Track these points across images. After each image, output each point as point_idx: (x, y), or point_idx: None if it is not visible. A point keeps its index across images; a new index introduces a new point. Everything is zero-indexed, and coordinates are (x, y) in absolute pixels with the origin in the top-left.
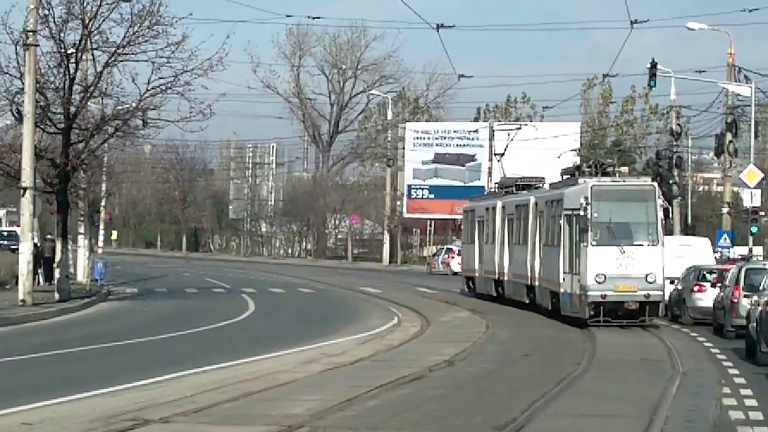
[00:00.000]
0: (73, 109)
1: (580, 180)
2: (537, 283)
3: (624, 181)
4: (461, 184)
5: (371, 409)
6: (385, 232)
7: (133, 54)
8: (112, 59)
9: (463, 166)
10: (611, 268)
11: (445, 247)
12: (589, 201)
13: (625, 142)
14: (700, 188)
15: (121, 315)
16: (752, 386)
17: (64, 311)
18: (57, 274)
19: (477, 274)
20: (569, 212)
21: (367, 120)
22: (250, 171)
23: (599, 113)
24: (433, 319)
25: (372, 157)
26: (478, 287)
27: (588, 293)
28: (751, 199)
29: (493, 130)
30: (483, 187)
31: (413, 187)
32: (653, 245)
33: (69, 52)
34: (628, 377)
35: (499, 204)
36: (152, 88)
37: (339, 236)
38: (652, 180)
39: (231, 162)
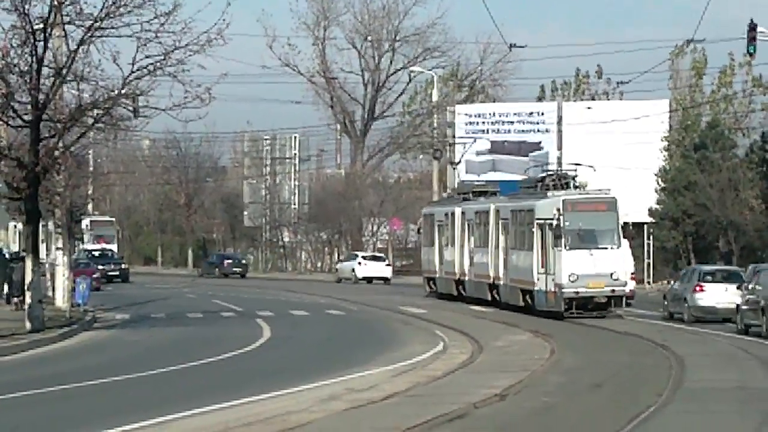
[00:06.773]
0: (42, 96)
1: (549, 193)
2: (502, 282)
3: (588, 194)
4: (525, 178)
5: None
6: None
7: (113, 28)
8: (89, 35)
9: (526, 156)
10: (582, 269)
11: None
12: (561, 212)
13: (723, 122)
14: None
15: (107, 347)
16: None
17: (35, 343)
18: (28, 298)
19: (438, 275)
20: (541, 221)
21: (410, 103)
22: (268, 168)
23: (690, 87)
24: (486, 344)
25: (416, 148)
26: (439, 287)
27: (563, 290)
28: None
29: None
30: None
31: (467, 183)
32: (616, 248)
33: (36, 27)
34: (721, 410)
35: (458, 210)
36: (138, 69)
37: (378, 245)
38: None
39: (245, 158)
